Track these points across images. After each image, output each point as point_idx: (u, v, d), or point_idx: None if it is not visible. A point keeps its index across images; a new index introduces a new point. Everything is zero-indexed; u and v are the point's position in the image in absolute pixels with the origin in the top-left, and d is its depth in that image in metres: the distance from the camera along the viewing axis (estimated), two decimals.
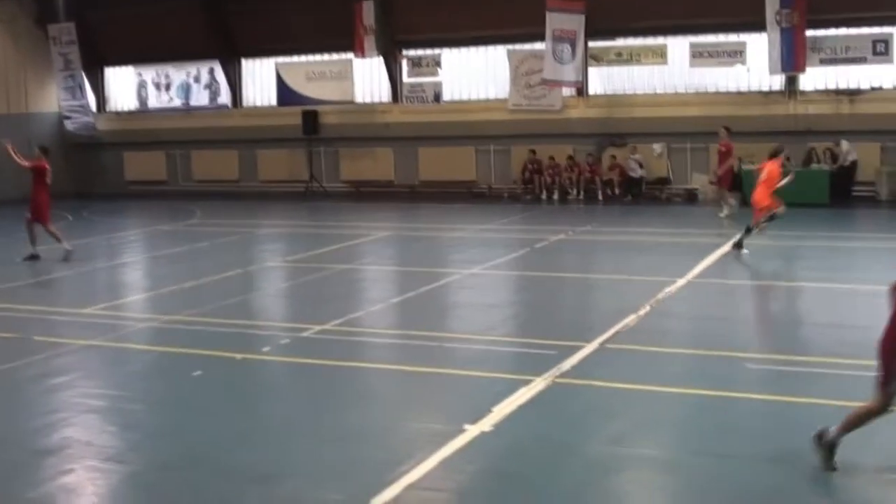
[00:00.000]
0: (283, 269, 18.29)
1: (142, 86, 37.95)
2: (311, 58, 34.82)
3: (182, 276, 17.26)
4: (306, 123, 33.88)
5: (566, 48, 29.99)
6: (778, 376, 10.67)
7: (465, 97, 33.06)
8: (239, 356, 11.56)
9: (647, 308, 13.71)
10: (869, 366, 10.52)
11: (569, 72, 30.30)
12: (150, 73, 37.64)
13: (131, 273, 19.40)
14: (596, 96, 31.31)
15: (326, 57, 34.62)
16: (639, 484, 7.75)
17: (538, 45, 30.66)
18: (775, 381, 10.52)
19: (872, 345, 11.65)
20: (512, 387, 9.86)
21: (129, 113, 38.50)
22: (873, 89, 28.12)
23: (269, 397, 10.38)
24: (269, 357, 11.70)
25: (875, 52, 27.63)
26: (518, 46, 31.70)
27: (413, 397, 10.14)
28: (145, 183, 37.18)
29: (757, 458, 7.98)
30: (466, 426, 8.70)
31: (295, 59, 35.10)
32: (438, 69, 33.15)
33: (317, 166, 34.46)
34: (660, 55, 30.20)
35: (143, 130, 37.20)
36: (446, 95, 33.16)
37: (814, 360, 11.14)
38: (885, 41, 27.39)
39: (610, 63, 30.97)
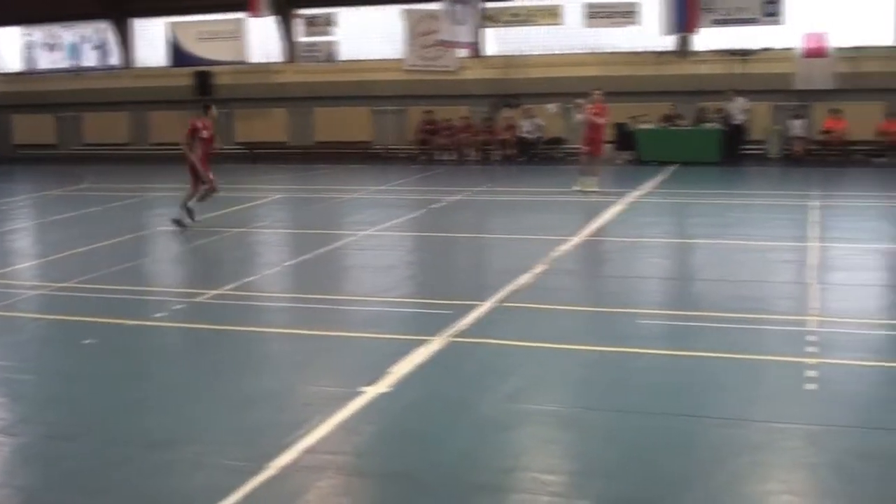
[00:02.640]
0: (176, 233, 18.00)
1: (30, 46, 36.86)
2: (203, 17, 34.20)
3: (72, 243, 16.87)
4: (199, 84, 33.30)
5: (462, 9, 29.93)
6: (670, 331, 10.88)
7: (360, 57, 32.80)
8: (132, 322, 11.36)
9: (542, 266, 13.84)
10: (758, 319, 10.87)
11: (465, 32, 30.27)
12: (38, 33, 36.56)
13: (19, 240, 18.90)
14: (492, 57, 31.38)
15: (220, 16, 34.04)
16: (535, 439, 7.83)
17: (434, 6, 30.55)
18: (667, 335, 10.72)
19: (761, 298, 12.03)
20: (409, 347, 9.86)
21: (17, 74, 37.40)
22: (764, 49, 28.65)
23: (163, 364, 10.21)
24: (162, 323, 11.52)
25: (766, 13, 28.15)
26: (414, 6, 31.56)
27: (310, 361, 10.08)
28: (34, 147, 36.28)
29: (650, 411, 8.13)
30: (364, 388, 8.68)
31: (187, 18, 34.43)
32: (334, 28, 32.81)
33: None
34: (555, 15, 30.36)
35: (32, 92, 36.20)
36: (342, 55, 32.86)
37: (705, 314, 11.37)
38: (776, 2, 27.90)
39: (506, 24, 31.04)
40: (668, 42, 29.36)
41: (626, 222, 17.97)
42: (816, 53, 27.74)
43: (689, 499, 6.61)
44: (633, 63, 29.45)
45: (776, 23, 28.23)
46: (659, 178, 23.27)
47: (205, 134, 18.66)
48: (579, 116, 21.06)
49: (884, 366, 9.56)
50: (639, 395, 8.60)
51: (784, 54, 28.33)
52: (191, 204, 18.31)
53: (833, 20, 27.61)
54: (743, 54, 28.83)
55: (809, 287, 12.45)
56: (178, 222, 17.98)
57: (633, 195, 20.71)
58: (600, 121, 21.23)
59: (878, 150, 27.35)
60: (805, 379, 8.85)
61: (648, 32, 29.36)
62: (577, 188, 21.03)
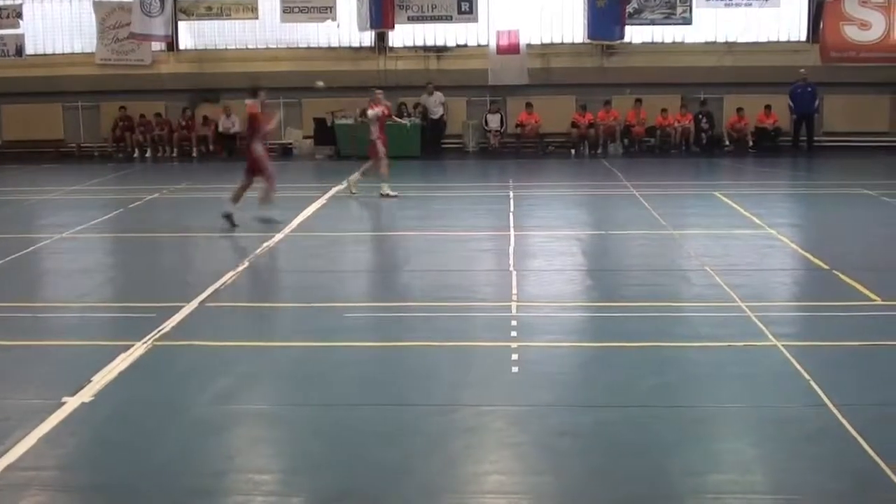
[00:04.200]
0: None
1: None
2: None
3: None
4: None
5: (155, 1, 29.09)
6: (378, 322, 10.99)
7: (49, 51, 31.22)
8: None
9: (246, 264, 13.65)
10: (463, 307, 11.15)
11: (158, 25, 29.43)
12: None
13: None
14: (187, 51, 30.65)
15: None
16: (246, 439, 7.69)
17: None
18: (375, 327, 10.83)
19: (466, 287, 12.34)
20: (111, 354, 9.45)
21: None
22: (459, 46, 29.46)
23: None
24: None
25: (460, 11, 28.95)
26: None
27: (7, 373, 9.45)
28: None
29: (361, 403, 8.18)
30: (66, 398, 8.25)
31: None
32: (19, 21, 31.04)
33: None
34: (251, 10, 29.99)
35: None
36: (29, 49, 31.14)
37: (412, 304, 11.57)
38: (470, 0, 28.76)
39: (200, 17, 30.38)
40: (365, 38, 29.66)
41: (329, 217, 17.99)
42: (509, 50, 28.78)
43: (405, 486, 6.68)
44: (331, 59, 29.55)
45: (470, 20, 29.10)
46: (358, 173, 23.43)
47: None
48: (370, 113, 20.64)
49: (580, 346, 10.05)
50: (349, 387, 8.62)
51: (478, 51, 29.25)
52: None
53: (524, 18, 28.76)
54: (438, 51, 29.55)
55: (510, 274, 12.89)
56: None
57: (333, 190, 20.77)
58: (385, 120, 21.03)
59: (571, 142, 28.71)
60: (510, 362, 9.15)
61: (345, 28, 29.54)
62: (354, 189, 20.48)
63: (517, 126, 28.98)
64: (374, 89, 21.07)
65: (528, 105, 28.66)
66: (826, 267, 13.17)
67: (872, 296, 11.60)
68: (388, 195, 19.80)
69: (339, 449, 7.31)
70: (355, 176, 20.10)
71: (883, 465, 6.86)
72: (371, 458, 7.12)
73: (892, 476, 6.69)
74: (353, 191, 20.00)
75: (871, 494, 6.55)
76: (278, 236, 15.63)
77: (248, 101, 17.48)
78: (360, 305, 11.73)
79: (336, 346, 9.90)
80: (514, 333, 10.11)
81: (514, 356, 9.33)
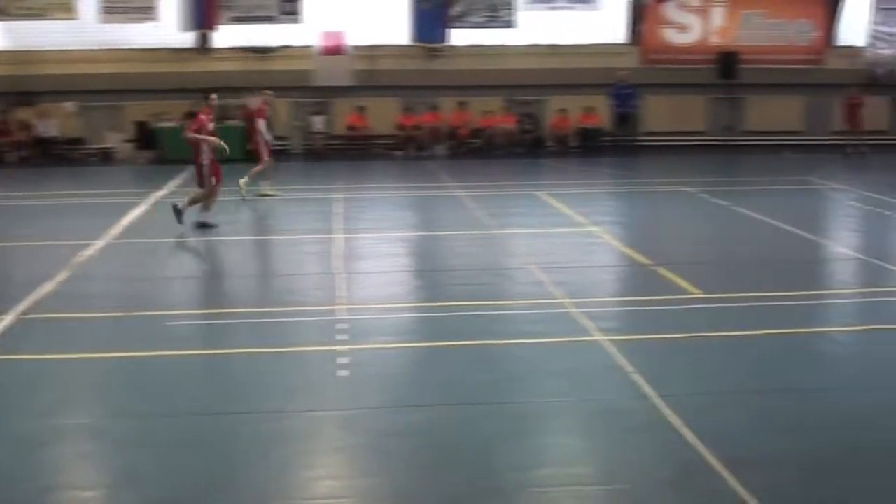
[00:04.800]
0: None
1: None
2: None
3: None
4: None
5: None
6: (204, 330, 10.77)
7: None
8: None
9: (66, 273, 13.17)
10: (290, 311, 11.03)
11: None
12: None
13: None
14: (3, 52, 29.44)
15: None
16: (72, 454, 7.42)
17: None
18: (201, 335, 10.61)
19: (293, 291, 12.22)
20: None
21: None
22: (283, 47, 29.19)
23: None
24: None
25: (284, 11, 28.69)
26: None
27: None
28: None
29: (188, 412, 8.01)
30: None
31: None
32: None
33: None
34: (68, 10, 29.01)
35: None
36: None
37: (238, 311, 11.38)
38: (294, 0, 28.52)
39: (17, 17, 29.21)
40: (188, 39, 29.08)
41: (151, 223, 17.51)
42: (334, 51, 28.68)
43: (234, 494, 6.57)
44: (152, 60, 28.85)
45: (295, 21, 28.87)
46: (181, 178, 22.95)
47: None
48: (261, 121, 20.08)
49: (408, 347, 10.08)
50: (175, 397, 8.42)
51: (303, 52, 29.03)
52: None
53: (350, 19, 28.68)
54: (262, 52, 29.21)
55: (337, 277, 12.82)
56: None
57: (157, 195, 20.27)
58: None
59: (397, 144, 28.79)
60: (338, 366, 9.11)
61: (167, 29, 28.87)
62: (252, 194, 19.88)
63: (349, 128, 28.90)
64: (264, 91, 20.73)
65: (360, 108, 28.63)
66: (648, 262, 13.56)
67: (693, 289, 12.01)
68: (267, 195, 19.88)
69: (167, 460, 7.13)
70: (244, 180, 19.65)
71: (706, 453, 7.10)
72: (199, 467, 6.97)
73: (716, 464, 6.92)
74: (245, 195, 19.52)
75: (696, 482, 6.76)
76: (99, 244, 15.15)
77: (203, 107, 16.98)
78: (185, 313, 11.47)
79: (160, 355, 9.63)
80: (342, 336, 10.05)
81: (343, 359, 9.28)
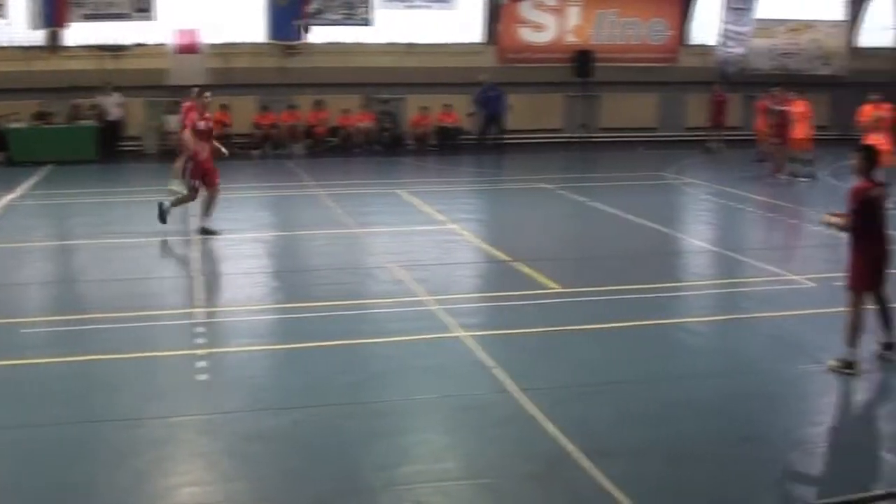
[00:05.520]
0: None
1: None
2: None
3: None
4: None
5: None
6: (57, 337, 10.42)
7: None
8: None
9: None
10: (147, 316, 10.78)
11: None
12: None
13: None
14: None
15: None
16: None
17: None
18: (54, 342, 10.25)
19: (149, 295, 11.95)
20: None
21: None
22: (136, 45, 28.51)
23: None
24: None
25: (137, 9, 28.00)
26: None
27: None
28: None
29: (42, 422, 7.76)
30: None
31: None
32: None
33: None
34: None
35: None
36: None
37: (93, 316, 11.04)
38: None
39: None
40: (37, 37, 28.15)
41: (2, 228, 16.90)
42: (189, 49, 28.14)
43: None
44: (0, 59, 27.87)
45: (147, 18, 28.20)
46: (33, 180, 22.20)
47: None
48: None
49: (270, 349, 9.97)
50: (30, 406, 8.14)
51: (156, 50, 28.37)
52: None
53: (204, 17, 28.17)
54: (115, 50, 28.46)
55: (195, 279, 12.59)
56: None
57: (6, 199, 19.55)
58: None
59: (254, 143, 28.39)
60: (197, 370, 8.95)
61: (16, 27, 27.87)
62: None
63: (217, 125, 28.31)
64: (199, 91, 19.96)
65: (224, 106, 28.07)
66: (508, 259, 13.69)
67: (552, 284, 12.18)
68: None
69: (22, 471, 6.90)
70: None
71: (569, 444, 7.21)
72: (55, 478, 6.76)
73: (578, 455, 7.02)
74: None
75: (559, 473, 6.86)
76: None
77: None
78: (38, 320, 11.05)
79: (14, 364, 9.30)
80: (201, 340, 9.88)
81: (203, 363, 9.12)
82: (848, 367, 9.03)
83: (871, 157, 9.28)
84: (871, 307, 9.34)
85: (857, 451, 7.47)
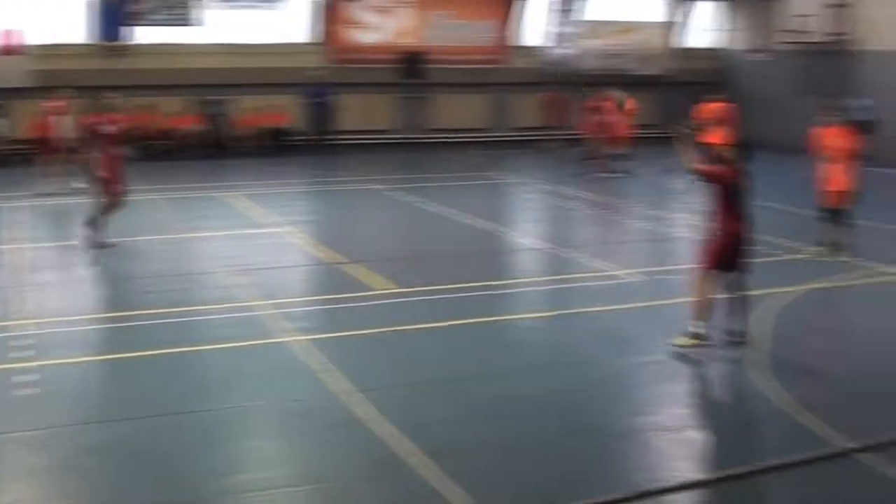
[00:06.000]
0: None
1: None
2: None
3: None
4: None
5: None
6: None
7: None
8: None
9: None
10: None
11: None
12: None
13: None
14: None
15: None
16: None
17: None
18: None
19: None
20: None
21: None
22: None
23: None
24: None
25: None
26: None
27: None
28: None
29: None
30: None
31: None
32: None
33: None
34: None
35: None
36: None
37: None
38: None
39: None
40: None
41: None
42: (11, 51, 27.12)
43: None
44: None
45: None
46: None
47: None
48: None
49: (97, 360, 9.75)
50: None
51: None
52: None
53: (27, 17, 27.16)
54: None
55: (15, 290, 12.15)
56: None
57: None
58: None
59: (79, 147, 27.44)
60: (21, 384, 8.64)
61: None
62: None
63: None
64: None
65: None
66: (341, 261, 13.70)
67: (386, 284, 12.27)
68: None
69: None
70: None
71: (407, 444, 7.28)
72: None
73: (417, 454, 7.09)
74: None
75: (397, 473, 6.94)
76: None
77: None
78: None
79: None
80: (24, 353, 9.55)
81: (28, 377, 8.82)
82: (696, 339, 9.53)
83: (744, 148, 9.75)
84: (723, 291, 9.74)
85: (681, 435, 7.77)
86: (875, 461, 7.05)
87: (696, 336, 9.55)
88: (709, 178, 9.56)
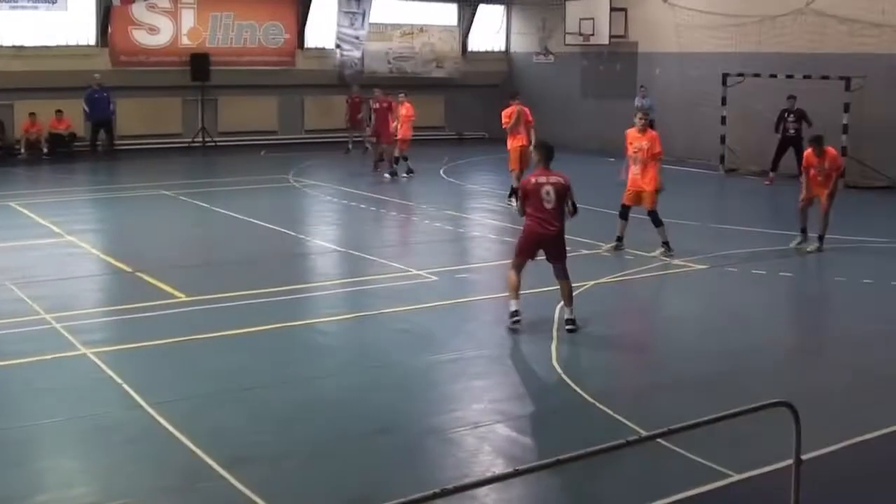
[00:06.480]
0: None
1: None
2: None
3: None
4: None
5: None
6: None
7: None
8: None
9: None
10: None
11: None
12: None
13: None
14: None
15: None
16: None
17: None
18: None
19: None
20: None
21: None
22: None
23: None
24: None
25: None
26: None
27: None
28: None
29: None
30: None
31: None
32: None
33: None
34: None
35: None
36: None
37: None
38: None
39: None
40: None
41: None
42: None
43: None
44: None
45: None
46: None
47: None
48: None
49: None
50: None
51: None
52: None
53: None
54: None
55: None
56: None
57: None
58: None
59: None
60: None
61: None
62: None
63: None
64: None
65: None
66: (130, 269, 13.32)
67: (177, 293, 11.98)
68: None
69: None
70: None
71: (205, 455, 7.12)
72: None
73: (214, 464, 6.96)
74: None
75: (196, 485, 6.81)
76: None
77: None
78: None
79: None
80: None
81: None
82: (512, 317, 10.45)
83: (547, 151, 10.67)
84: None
85: (488, 430, 7.88)
86: (675, 444, 7.29)
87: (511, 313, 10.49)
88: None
